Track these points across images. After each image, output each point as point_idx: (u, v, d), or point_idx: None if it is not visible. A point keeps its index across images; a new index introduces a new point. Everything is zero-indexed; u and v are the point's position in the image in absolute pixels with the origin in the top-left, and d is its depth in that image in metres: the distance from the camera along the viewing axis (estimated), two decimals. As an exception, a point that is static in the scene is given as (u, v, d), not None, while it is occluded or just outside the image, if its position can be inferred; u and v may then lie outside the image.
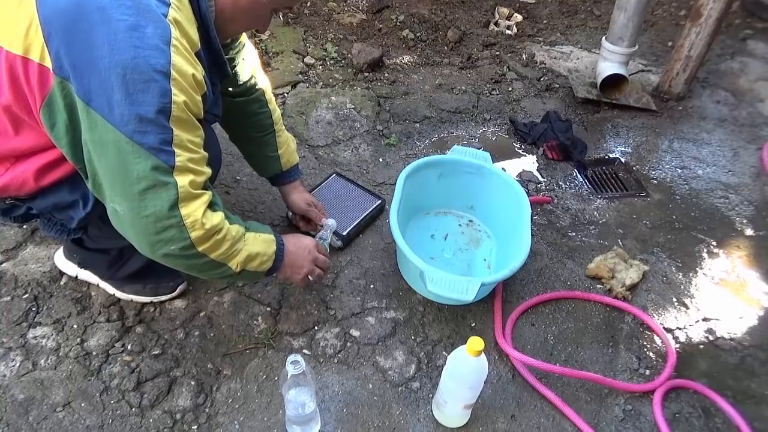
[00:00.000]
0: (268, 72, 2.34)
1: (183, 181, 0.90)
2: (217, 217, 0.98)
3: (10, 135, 0.96)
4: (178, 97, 0.86)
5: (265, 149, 1.44)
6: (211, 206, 0.99)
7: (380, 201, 1.70)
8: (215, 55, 1.04)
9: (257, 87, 1.38)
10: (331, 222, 1.50)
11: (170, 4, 0.88)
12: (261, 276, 1.14)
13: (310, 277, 1.25)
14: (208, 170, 0.98)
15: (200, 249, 0.96)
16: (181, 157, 0.89)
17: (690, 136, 2.28)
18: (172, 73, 0.85)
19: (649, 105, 2.40)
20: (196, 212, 0.93)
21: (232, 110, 1.34)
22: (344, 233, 1.57)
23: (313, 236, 1.38)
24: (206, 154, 0.98)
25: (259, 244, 1.09)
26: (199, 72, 0.93)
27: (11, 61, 0.86)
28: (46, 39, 0.83)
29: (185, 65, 0.88)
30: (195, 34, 0.94)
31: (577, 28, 3.08)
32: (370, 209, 1.67)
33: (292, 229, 1.63)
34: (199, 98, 0.94)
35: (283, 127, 1.48)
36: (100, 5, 0.81)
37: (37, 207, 1.08)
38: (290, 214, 1.62)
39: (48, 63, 0.84)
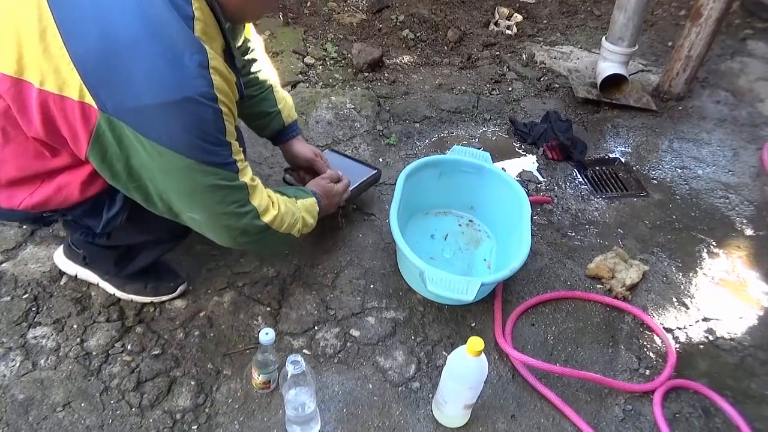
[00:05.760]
0: (268, 72, 2.34)
1: (245, 178, 1.02)
2: (274, 197, 1.14)
3: (46, 157, 0.96)
4: (227, 116, 0.94)
5: (263, 105, 1.46)
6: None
7: (376, 171, 1.71)
8: (230, 47, 1.04)
9: (250, 47, 1.40)
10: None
11: (194, 16, 0.87)
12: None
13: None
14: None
15: (274, 227, 1.11)
16: (239, 162, 1.00)
17: (690, 136, 2.28)
18: (218, 96, 0.90)
19: (649, 105, 2.40)
20: (263, 200, 1.08)
21: None
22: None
23: None
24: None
25: (307, 211, 1.26)
26: (233, 77, 0.97)
27: (44, 98, 0.85)
28: (83, 77, 0.82)
29: (224, 82, 0.92)
30: (218, 33, 0.96)
31: (577, 28, 3.08)
32: (367, 176, 1.67)
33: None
34: (235, 104, 0.99)
35: (279, 86, 1.50)
36: (131, 40, 0.81)
37: (73, 214, 1.09)
38: (287, 176, 1.63)
39: (89, 100, 0.83)
